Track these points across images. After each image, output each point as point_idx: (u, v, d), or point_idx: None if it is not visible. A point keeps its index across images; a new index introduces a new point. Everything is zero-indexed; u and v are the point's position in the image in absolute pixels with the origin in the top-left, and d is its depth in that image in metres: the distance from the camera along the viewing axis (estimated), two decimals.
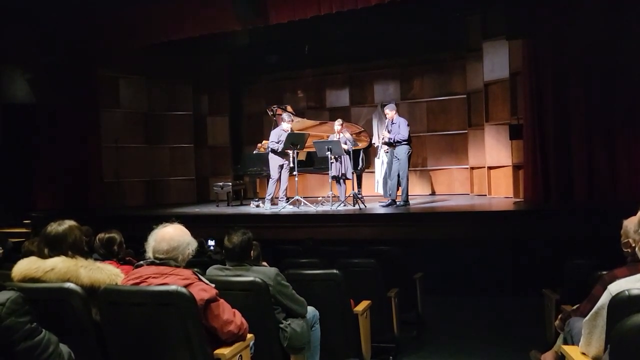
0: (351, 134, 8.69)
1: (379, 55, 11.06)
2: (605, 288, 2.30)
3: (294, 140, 8.11)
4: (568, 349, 2.52)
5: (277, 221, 7.79)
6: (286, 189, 8.53)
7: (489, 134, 9.42)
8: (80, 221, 2.88)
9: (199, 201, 11.33)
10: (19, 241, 5.16)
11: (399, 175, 7.82)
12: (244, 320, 2.65)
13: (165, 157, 11.40)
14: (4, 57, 9.24)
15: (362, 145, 8.88)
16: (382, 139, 8.04)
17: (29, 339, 2.14)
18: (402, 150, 7.79)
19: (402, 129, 7.75)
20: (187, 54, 11.16)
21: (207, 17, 8.53)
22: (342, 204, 8.18)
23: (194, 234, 2.72)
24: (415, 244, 6.43)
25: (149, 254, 2.61)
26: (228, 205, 9.61)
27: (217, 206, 9.65)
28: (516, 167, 8.71)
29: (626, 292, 2.10)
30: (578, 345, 2.44)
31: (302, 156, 8.90)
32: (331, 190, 8.19)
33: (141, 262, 2.65)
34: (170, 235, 2.61)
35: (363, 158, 8.70)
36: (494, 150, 9.30)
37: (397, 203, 7.91)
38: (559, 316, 3.11)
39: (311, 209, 8.12)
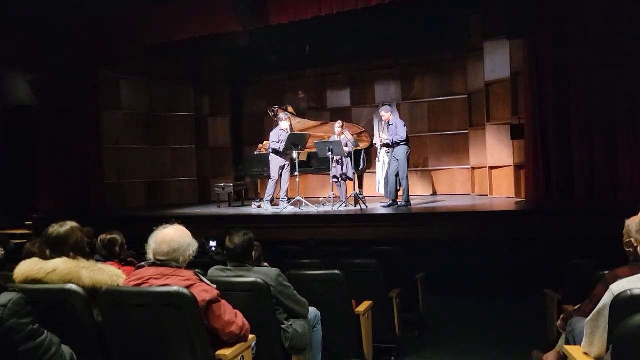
0: (352, 135, 8.69)
1: (380, 55, 11.06)
2: (607, 288, 2.29)
3: (295, 141, 8.11)
4: (570, 349, 2.51)
5: (278, 222, 7.79)
6: (287, 190, 8.53)
7: (490, 134, 9.42)
8: (81, 222, 2.88)
9: (201, 202, 11.34)
10: (20, 242, 5.15)
11: (398, 176, 7.83)
12: (245, 321, 2.65)
13: (166, 158, 11.41)
14: (5, 59, 9.24)
15: (363, 145, 8.88)
16: (380, 141, 8.04)
17: (31, 340, 2.14)
18: (401, 151, 7.79)
19: (399, 130, 7.75)
20: (188, 55, 11.18)
21: (208, 18, 8.54)
22: (344, 205, 8.18)
23: (195, 235, 2.72)
24: (417, 244, 6.43)
25: (150, 256, 2.62)
26: (229, 206, 9.61)
27: (219, 207, 9.66)
28: (517, 167, 8.71)
29: (628, 292, 2.10)
30: (580, 346, 2.44)
31: (303, 157, 8.90)
32: (332, 191, 8.19)
33: (143, 263, 2.65)
34: (171, 237, 2.61)
35: (364, 158, 8.70)
36: (495, 150, 9.30)
37: (399, 203, 7.91)
38: (561, 316, 3.11)
39: (312, 209, 8.12)
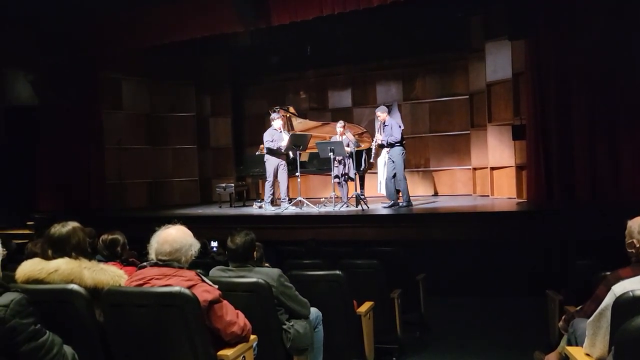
0: (354, 135, 8.69)
1: (381, 56, 11.05)
2: (609, 289, 2.29)
3: (297, 141, 8.10)
4: (572, 350, 2.51)
5: (279, 222, 7.79)
6: (288, 190, 8.52)
7: (492, 134, 9.41)
8: (83, 222, 2.88)
9: (202, 202, 11.33)
10: (22, 242, 5.15)
11: (395, 177, 7.82)
12: (247, 322, 2.66)
13: (167, 158, 11.41)
14: (7, 59, 9.25)
15: (364, 146, 8.87)
16: (375, 141, 8.04)
17: (33, 341, 2.14)
18: (396, 152, 7.78)
19: (394, 131, 7.74)
20: (190, 55, 11.18)
21: (209, 18, 8.53)
22: (345, 205, 8.18)
23: (196, 235, 2.73)
24: (418, 244, 6.43)
25: (152, 256, 2.62)
26: (231, 206, 9.62)
27: (220, 207, 9.65)
28: (519, 168, 8.69)
29: (630, 293, 2.09)
30: (582, 347, 2.43)
31: (305, 157, 8.89)
32: (334, 191, 8.18)
33: (144, 263, 2.65)
34: (173, 237, 2.61)
35: (365, 159, 8.68)
36: (497, 151, 9.29)
37: (400, 204, 7.91)
38: (563, 317, 3.11)
39: (314, 209, 8.12)
